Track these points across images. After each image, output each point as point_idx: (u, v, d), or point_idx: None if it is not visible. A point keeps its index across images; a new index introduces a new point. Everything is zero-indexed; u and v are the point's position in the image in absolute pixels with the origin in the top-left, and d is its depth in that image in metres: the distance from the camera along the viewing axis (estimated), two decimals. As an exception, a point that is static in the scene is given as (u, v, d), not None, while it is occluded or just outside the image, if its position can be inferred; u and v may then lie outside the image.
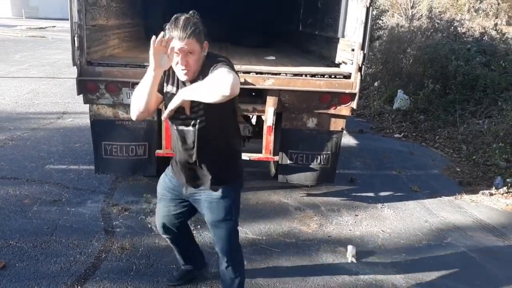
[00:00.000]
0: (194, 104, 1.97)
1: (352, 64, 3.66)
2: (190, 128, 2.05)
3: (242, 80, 3.53)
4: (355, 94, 3.66)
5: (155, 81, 1.91)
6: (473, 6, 15.31)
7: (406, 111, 7.63)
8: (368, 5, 3.41)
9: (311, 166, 4.00)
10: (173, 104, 1.93)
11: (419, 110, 7.51)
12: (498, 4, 15.52)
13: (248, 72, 3.63)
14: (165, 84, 2.07)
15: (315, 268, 3.11)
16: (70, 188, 4.08)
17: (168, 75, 2.06)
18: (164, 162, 4.07)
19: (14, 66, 10.69)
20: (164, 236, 2.59)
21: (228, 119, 2.15)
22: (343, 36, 4.17)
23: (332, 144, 3.94)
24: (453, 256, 3.43)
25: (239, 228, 2.41)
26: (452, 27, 9.42)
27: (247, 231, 3.52)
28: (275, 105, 3.68)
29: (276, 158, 3.94)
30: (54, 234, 3.26)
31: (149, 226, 3.49)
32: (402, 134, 6.88)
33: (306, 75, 3.69)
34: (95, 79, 3.51)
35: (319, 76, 3.70)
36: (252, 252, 3.23)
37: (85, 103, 3.65)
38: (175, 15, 1.92)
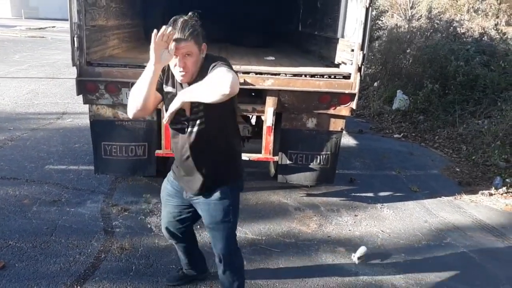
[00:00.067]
0: (194, 105, 1.97)
1: (351, 64, 3.66)
2: (190, 129, 2.05)
3: (242, 81, 3.53)
4: (354, 94, 3.66)
5: (154, 77, 1.87)
6: (472, 7, 15.32)
7: (406, 112, 7.64)
8: (367, 6, 3.41)
9: (310, 166, 4.00)
10: (173, 107, 1.91)
11: (418, 110, 7.51)
12: (500, 3, 15.53)
13: (248, 73, 3.63)
14: (164, 85, 2.07)
15: (315, 268, 3.11)
16: (70, 188, 4.08)
17: (168, 76, 2.06)
18: (163, 162, 4.10)
19: (14, 66, 10.70)
20: (169, 240, 2.60)
21: (228, 119, 2.15)
22: (342, 37, 4.17)
23: (332, 144, 3.94)
24: (452, 256, 3.43)
25: (239, 228, 2.41)
26: (452, 28, 9.43)
27: (246, 231, 3.52)
28: (275, 105, 3.68)
29: (276, 158, 3.94)
30: (54, 234, 3.26)
31: (149, 226, 3.49)
32: (402, 134, 6.88)
33: (305, 76, 3.69)
34: (95, 79, 3.51)
35: (318, 76, 3.70)
36: (251, 252, 3.23)
37: (84, 103, 3.66)
38: (173, 17, 1.90)
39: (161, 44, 1.80)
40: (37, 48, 14.94)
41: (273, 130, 3.75)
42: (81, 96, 3.59)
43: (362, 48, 3.51)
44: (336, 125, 3.88)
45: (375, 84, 9.27)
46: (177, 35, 1.85)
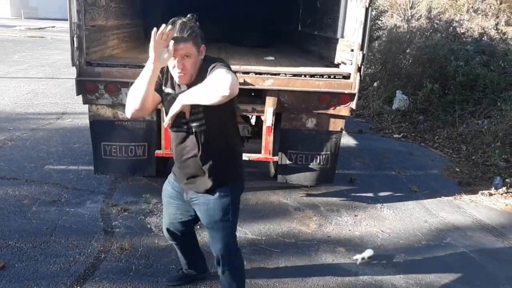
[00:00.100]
0: (193, 107, 1.96)
1: (351, 64, 3.66)
2: (190, 131, 2.04)
3: (242, 81, 3.53)
4: (354, 94, 3.66)
5: (153, 76, 1.86)
6: (472, 7, 15.32)
7: (405, 112, 7.64)
8: (367, 6, 3.41)
9: (310, 166, 4.00)
10: (173, 111, 1.91)
11: (418, 110, 7.51)
12: (501, 3, 15.52)
13: (248, 73, 3.63)
14: (163, 87, 2.06)
15: (315, 268, 3.11)
16: (70, 188, 4.07)
17: (167, 78, 2.06)
18: (163, 162, 4.09)
19: (13, 66, 10.69)
20: (170, 241, 2.60)
21: (228, 120, 2.14)
22: (342, 37, 4.17)
23: (332, 144, 3.94)
24: (452, 256, 3.43)
25: (239, 228, 2.41)
26: (451, 28, 9.43)
27: (246, 231, 3.52)
28: (275, 106, 3.68)
29: (276, 158, 3.94)
30: (54, 235, 3.26)
31: (149, 226, 3.49)
32: (402, 134, 6.88)
33: (305, 76, 3.69)
34: (94, 79, 3.51)
35: (318, 76, 3.70)
36: (251, 252, 3.23)
37: (84, 103, 3.65)
38: (172, 19, 1.90)
39: (160, 43, 1.79)
40: (37, 48, 14.94)
41: (272, 130, 3.75)
42: (80, 96, 3.59)
43: (361, 48, 3.51)
44: (336, 125, 3.88)
45: (375, 84, 9.27)
46: (175, 36, 1.84)
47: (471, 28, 10.09)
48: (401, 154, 5.92)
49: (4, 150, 4.95)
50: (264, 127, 3.77)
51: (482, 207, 4.41)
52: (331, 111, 3.77)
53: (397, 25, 11.03)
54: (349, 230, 3.71)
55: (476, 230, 3.90)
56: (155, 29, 1.77)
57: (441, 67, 7.63)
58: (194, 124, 2.02)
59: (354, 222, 3.86)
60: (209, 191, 2.17)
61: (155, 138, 3.81)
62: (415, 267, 3.23)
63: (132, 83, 1.98)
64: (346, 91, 3.66)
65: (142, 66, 1.91)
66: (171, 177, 2.39)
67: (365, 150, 5.96)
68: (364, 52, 3.52)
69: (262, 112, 3.76)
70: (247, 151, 3.90)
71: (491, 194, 4.65)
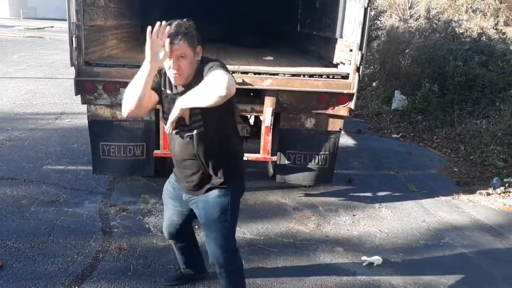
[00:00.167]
0: (191, 110, 1.95)
1: (350, 64, 3.67)
2: (188, 133, 2.04)
3: (240, 81, 3.54)
4: (353, 94, 3.66)
5: (150, 76, 1.84)
6: (471, 7, 15.33)
7: (404, 112, 7.65)
8: (366, 6, 3.41)
9: (309, 166, 4.01)
10: (172, 116, 1.90)
11: (417, 110, 7.52)
12: (501, 2, 15.52)
13: (246, 73, 3.63)
14: (162, 87, 2.07)
15: (313, 268, 3.12)
16: (68, 188, 4.07)
17: (165, 79, 2.06)
18: (162, 162, 4.09)
19: (12, 66, 10.68)
20: (169, 240, 2.61)
21: (227, 120, 2.14)
22: (341, 37, 4.17)
23: (330, 144, 3.95)
24: (450, 255, 3.44)
25: (237, 228, 2.40)
26: (450, 28, 9.44)
27: (245, 231, 3.52)
28: (273, 106, 3.68)
29: (274, 158, 3.94)
30: (52, 235, 3.26)
31: (147, 226, 3.49)
32: (400, 134, 6.89)
33: (304, 76, 3.69)
34: (93, 79, 3.51)
35: (317, 76, 3.70)
36: (250, 252, 3.23)
37: (83, 103, 3.65)
38: (168, 21, 1.89)
39: (156, 41, 1.79)
40: (36, 48, 14.91)
41: (271, 130, 3.75)
42: (79, 96, 3.59)
43: (360, 48, 3.52)
44: (335, 125, 3.88)
45: (374, 84, 9.28)
46: (170, 38, 1.84)
47: (469, 28, 10.09)
48: (400, 154, 5.93)
49: (2, 150, 4.95)
50: (262, 127, 3.77)
51: (480, 206, 4.41)
52: (329, 111, 3.78)
53: (396, 25, 11.04)
54: (348, 230, 3.71)
55: (474, 229, 3.91)
56: (149, 27, 1.77)
57: (439, 67, 7.64)
58: (192, 126, 2.01)
59: (353, 222, 3.86)
60: (208, 191, 2.16)
61: (153, 138, 3.81)
62: (413, 266, 3.23)
63: None
64: (345, 91, 3.67)
65: (141, 66, 1.91)
66: (172, 177, 2.39)
67: (363, 150, 5.96)
68: (363, 52, 3.52)
69: (261, 112, 3.76)
70: (245, 151, 3.88)
71: (489, 194, 4.65)
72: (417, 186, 4.76)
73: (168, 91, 2.05)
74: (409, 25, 10.87)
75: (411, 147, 6.25)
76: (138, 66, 1.92)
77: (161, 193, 2.50)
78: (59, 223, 3.44)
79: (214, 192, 2.16)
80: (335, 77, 3.71)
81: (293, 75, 3.68)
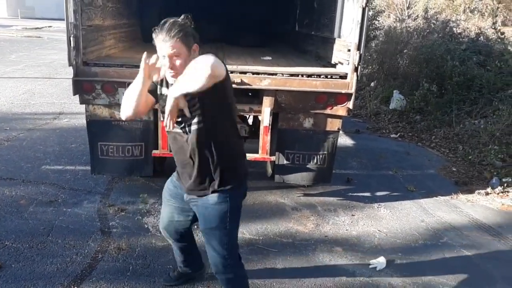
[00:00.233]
0: (190, 105, 1.94)
1: (348, 64, 3.67)
2: (188, 129, 2.03)
3: (239, 80, 3.54)
4: (351, 94, 3.67)
5: (144, 88, 1.94)
6: (468, 7, 15.36)
7: (402, 111, 7.66)
8: (364, 6, 3.41)
9: (307, 166, 4.01)
10: (167, 108, 1.90)
11: (415, 110, 7.53)
12: (499, 2, 15.54)
13: (245, 73, 3.63)
14: (159, 87, 2.08)
15: (312, 268, 3.12)
16: (66, 188, 4.06)
17: (162, 79, 2.07)
18: (160, 162, 4.09)
19: (10, 66, 10.65)
20: (167, 239, 2.60)
21: (226, 119, 2.12)
22: (339, 37, 4.18)
23: (329, 144, 3.95)
24: (449, 255, 3.44)
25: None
26: (448, 28, 9.46)
27: (244, 231, 3.52)
28: (272, 105, 3.68)
29: (273, 158, 3.94)
30: (50, 235, 3.25)
31: (146, 226, 3.49)
32: (398, 134, 6.90)
33: (302, 75, 3.69)
34: (91, 79, 3.51)
35: (315, 76, 3.70)
36: (249, 252, 3.23)
37: (81, 103, 3.65)
38: (164, 19, 1.91)
39: (151, 68, 1.90)
40: (34, 48, 14.88)
41: (270, 130, 3.75)
42: (77, 96, 3.59)
43: (358, 48, 3.52)
44: (333, 125, 3.89)
45: (372, 84, 9.29)
46: (163, 35, 1.86)
47: (467, 28, 10.11)
48: (398, 154, 5.94)
49: (0, 150, 4.93)
50: (261, 127, 3.77)
51: (479, 206, 4.42)
52: (328, 111, 3.78)
53: (394, 25, 11.05)
54: (346, 230, 3.72)
55: (473, 229, 3.91)
56: (145, 53, 1.87)
57: (437, 67, 7.65)
58: (191, 123, 2.01)
59: (351, 222, 3.86)
60: (208, 192, 2.14)
61: (152, 138, 3.80)
62: (412, 266, 3.24)
63: (129, 83, 2.00)
64: (343, 91, 3.67)
65: (139, 66, 1.92)
66: (174, 175, 2.37)
67: (362, 150, 5.97)
68: (361, 52, 3.52)
69: (259, 112, 3.76)
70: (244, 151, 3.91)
71: (487, 194, 4.66)
72: (415, 186, 4.76)
73: (165, 90, 2.05)
74: (407, 25, 10.88)
75: (409, 147, 6.26)
76: (136, 66, 1.94)
77: (160, 193, 2.49)
78: (58, 223, 3.43)
79: (214, 198, 2.12)
80: (333, 77, 3.71)
81: (292, 75, 3.68)
